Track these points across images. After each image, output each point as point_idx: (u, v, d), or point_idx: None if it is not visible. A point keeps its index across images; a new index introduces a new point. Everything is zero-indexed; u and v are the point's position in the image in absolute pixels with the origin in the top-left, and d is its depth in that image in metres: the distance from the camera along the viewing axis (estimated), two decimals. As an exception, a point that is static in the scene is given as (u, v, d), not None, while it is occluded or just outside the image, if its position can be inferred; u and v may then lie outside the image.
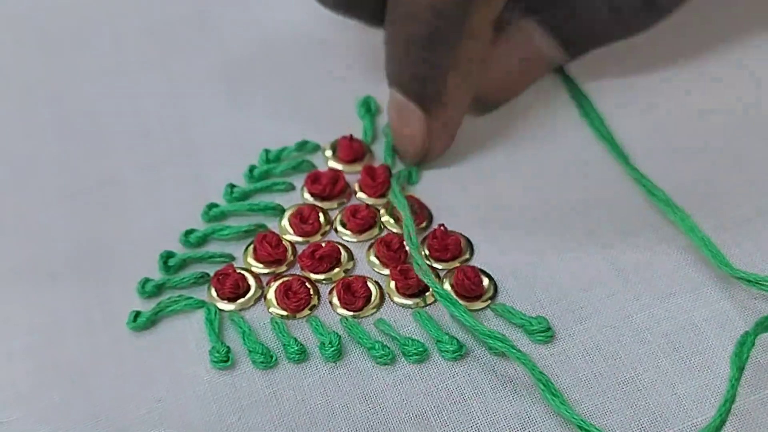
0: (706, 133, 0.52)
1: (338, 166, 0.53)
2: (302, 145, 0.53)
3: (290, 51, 0.58)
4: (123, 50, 0.59)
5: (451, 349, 0.44)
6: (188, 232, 0.50)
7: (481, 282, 0.47)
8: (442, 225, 0.48)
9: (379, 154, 0.53)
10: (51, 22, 0.61)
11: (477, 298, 0.46)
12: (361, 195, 0.52)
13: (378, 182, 0.51)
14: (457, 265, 0.48)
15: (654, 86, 0.55)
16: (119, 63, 0.58)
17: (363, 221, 0.50)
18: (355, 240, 0.50)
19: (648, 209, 0.49)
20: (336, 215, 0.51)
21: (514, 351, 0.42)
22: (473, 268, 0.47)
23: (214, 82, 0.57)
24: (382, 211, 0.51)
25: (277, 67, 0.57)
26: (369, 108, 0.55)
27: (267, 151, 0.53)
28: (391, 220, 0.50)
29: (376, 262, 0.49)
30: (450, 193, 0.51)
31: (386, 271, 0.48)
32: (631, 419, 0.42)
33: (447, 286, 0.47)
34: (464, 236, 0.49)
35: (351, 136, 0.53)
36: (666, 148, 0.52)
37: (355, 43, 0.58)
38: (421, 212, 0.50)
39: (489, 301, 0.47)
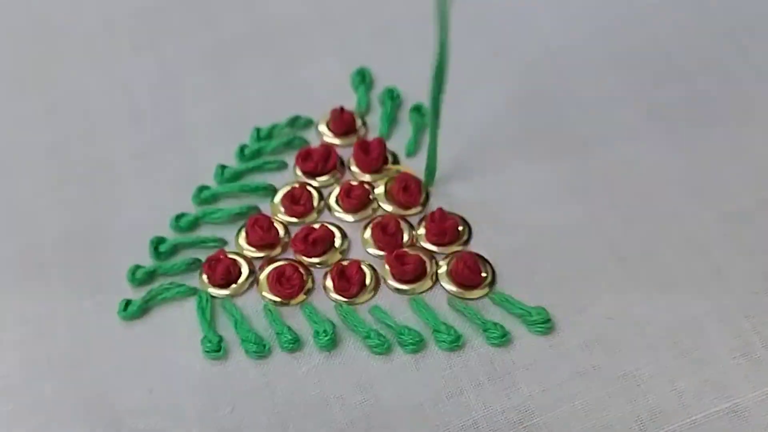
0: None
1: (332, 140, 0.52)
2: (294, 121, 0.52)
3: (283, 28, 0.56)
4: (114, 34, 0.57)
5: (448, 339, 0.44)
6: (179, 217, 0.49)
7: (480, 271, 0.46)
8: (440, 208, 0.47)
9: (375, 126, 0.52)
10: (42, 6, 0.59)
11: (476, 286, 0.46)
12: (355, 170, 0.50)
13: (372, 157, 0.50)
14: (455, 249, 0.47)
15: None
16: (109, 46, 0.57)
17: (357, 201, 0.49)
18: (350, 220, 0.49)
19: (650, 196, 0.48)
20: (330, 192, 0.50)
21: None
22: (472, 255, 0.46)
23: (207, 64, 0.55)
24: (378, 187, 0.50)
25: (269, 46, 0.56)
26: (363, 78, 0.53)
27: (258, 130, 0.52)
28: (384, 197, 0.49)
29: (372, 242, 0.48)
30: (447, 171, 0.50)
31: (382, 253, 0.47)
32: (630, 414, 0.42)
33: (444, 268, 0.46)
34: (462, 218, 0.48)
35: (341, 107, 0.51)
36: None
37: (350, 17, 0.56)
38: (416, 189, 0.49)
39: (488, 289, 0.46)
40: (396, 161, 0.51)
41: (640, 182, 0.48)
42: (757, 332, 0.43)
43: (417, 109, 0.52)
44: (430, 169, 0.49)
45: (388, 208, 0.49)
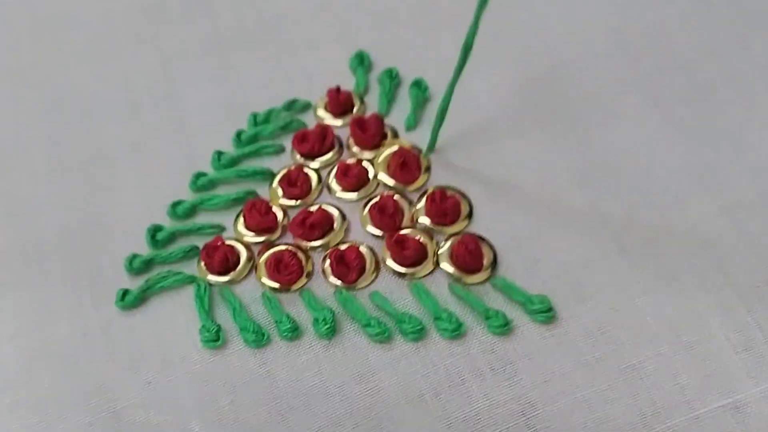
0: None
1: (330, 122, 0.51)
2: (291, 104, 0.51)
3: (282, 17, 0.55)
4: (111, 25, 0.56)
5: (450, 327, 0.43)
6: (176, 204, 0.48)
7: (482, 255, 0.45)
8: (440, 188, 0.47)
9: (374, 106, 0.51)
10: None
11: (477, 270, 0.45)
12: (355, 149, 0.50)
13: (369, 133, 0.49)
14: (457, 230, 0.46)
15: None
16: (107, 38, 0.56)
17: (355, 179, 0.48)
18: (350, 198, 0.48)
19: (652, 186, 0.47)
20: (328, 173, 0.49)
21: None
22: (473, 238, 0.45)
23: (205, 52, 0.54)
24: (377, 160, 0.49)
25: (268, 33, 0.55)
26: (362, 61, 0.53)
27: (255, 115, 0.51)
28: (385, 172, 0.48)
29: (370, 222, 0.47)
30: (449, 147, 0.49)
31: (381, 233, 0.47)
32: (632, 408, 0.41)
33: (445, 251, 0.46)
34: (464, 195, 0.47)
35: (338, 87, 0.51)
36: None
37: (349, 5, 0.55)
38: (414, 163, 0.48)
39: (489, 272, 0.45)
40: (396, 136, 0.50)
41: (643, 171, 0.48)
42: (760, 326, 0.43)
43: (417, 83, 0.51)
44: (434, 135, 0.48)
45: (389, 182, 0.48)
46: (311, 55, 0.53)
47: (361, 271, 0.45)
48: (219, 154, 0.49)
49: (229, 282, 0.46)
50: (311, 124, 0.51)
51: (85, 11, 0.57)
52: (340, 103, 0.51)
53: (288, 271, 0.45)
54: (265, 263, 0.46)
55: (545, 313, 0.43)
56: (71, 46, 0.56)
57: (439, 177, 0.48)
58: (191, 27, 0.55)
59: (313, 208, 0.47)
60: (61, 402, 0.43)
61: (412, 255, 0.45)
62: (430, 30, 0.53)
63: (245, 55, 0.54)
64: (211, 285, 0.46)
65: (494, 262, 0.45)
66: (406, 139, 0.50)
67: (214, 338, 0.44)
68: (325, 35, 0.54)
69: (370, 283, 0.45)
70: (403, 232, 0.46)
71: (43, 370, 0.44)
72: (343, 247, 0.46)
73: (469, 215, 0.47)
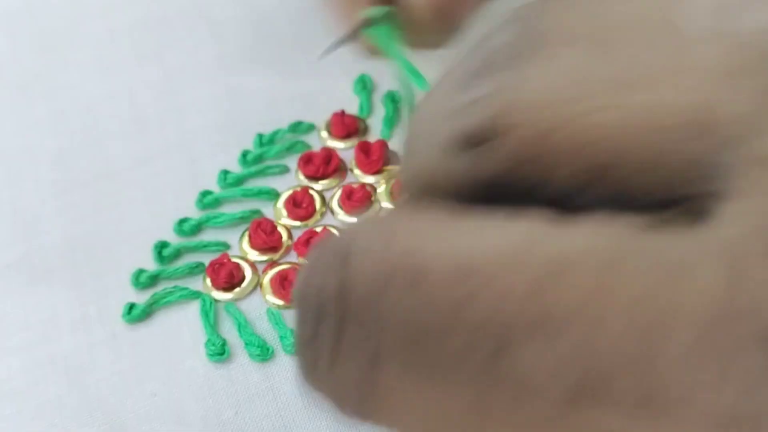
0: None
1: (333, 144, 0.52)
2: (296, 126, 0.52)
3: (287, 38, 0.56)
4: (117, 43, 0.57)
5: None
6: (182, 221, 0.49)
7: None
8: None
9: (377, 130, 0.52)
10: (45, 15, 0.59)
11: None
12: (357, 172, 0.51)
13: (373, 159, 0.50)
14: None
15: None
16: (114, 55, 0.57)
17: (359, 203, 0.49)
18: (352, 222, 0.49)
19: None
20: (332, 195, 0.50)
21: None
22: None
23: (210, 72, 0.55)
24: (380, 186, 0.50)
25: (273, 54, 0.56)
26: (365, 85, 0.54)
27: (260, 135, 0.52)
28: (387, 197, 0.49)
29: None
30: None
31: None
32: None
33: None
34: None
35: (342, 111, 0.52)
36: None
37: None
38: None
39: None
40: (399, 161, 0.51)
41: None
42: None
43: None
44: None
45: (391, 207, 0.49)
46: (315, 77, 0.54)
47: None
48: (225, 173, 0.50)
49: (235, 298, 0.47)
50: (315, 145, 0.52)
51: (91, 26, 0.58)
52: (344, 126, 0.52)
53: (293, 288, 0.46)
54: (271, 281, 0.47)
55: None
56: (77, 60, 0.57)
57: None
58: (194, 46, 0.57)
59: (319, 228, 0.48)
60: (66, 413, 0.44)
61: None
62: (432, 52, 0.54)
63: (248, 74, 0.55)
64: (216, 301, 0.46)
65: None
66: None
67: (220, 352, 0.44)
68: (329, 59, 0.55)
69: (373, 300, 0.46)
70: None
71: (49, 382, 0.45)
72: (345, 267, 0.47)
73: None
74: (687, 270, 0.20)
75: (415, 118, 0.30)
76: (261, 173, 0.51)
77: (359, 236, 0.24)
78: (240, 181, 0.51)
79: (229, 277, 0.46)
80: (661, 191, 0.23)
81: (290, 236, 0.49)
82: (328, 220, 0.49)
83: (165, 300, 0.46)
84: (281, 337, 0.45)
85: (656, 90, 0.22)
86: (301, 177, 0.51)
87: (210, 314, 0.46)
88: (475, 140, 0.24)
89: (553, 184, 0.24)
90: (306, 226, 0.49)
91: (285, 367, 0.44)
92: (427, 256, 0.22)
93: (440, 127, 0.26)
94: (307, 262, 0.25)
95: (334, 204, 0.49)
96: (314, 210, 0.49)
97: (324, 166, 0.50)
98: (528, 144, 0.23)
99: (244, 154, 0.51)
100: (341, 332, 0.23)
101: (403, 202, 0.28)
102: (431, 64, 0.42)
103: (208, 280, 0.47)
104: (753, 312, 0.20)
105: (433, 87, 0.29)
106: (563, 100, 0.23)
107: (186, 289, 0.47)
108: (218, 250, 0.48)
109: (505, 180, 0.24)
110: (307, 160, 0.50)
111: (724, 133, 0.21)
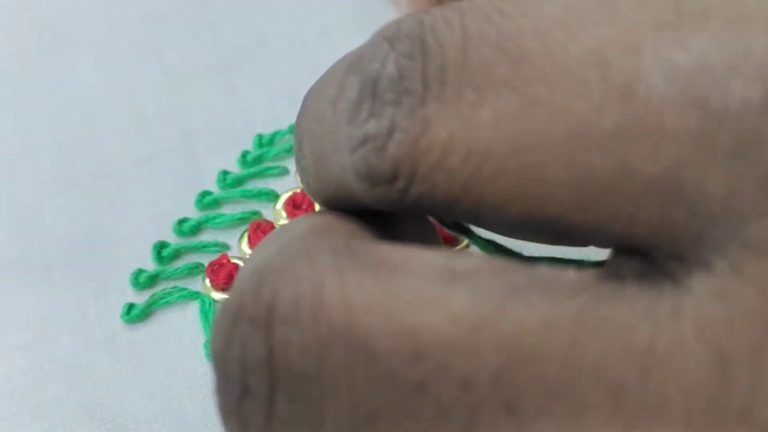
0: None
1: (333, 146, 0.52)
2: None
3: (288, 39, 0.56)
4: (117, 41, 0.57)
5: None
6: (181, 222, 0.49)
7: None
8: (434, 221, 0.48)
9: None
10: (44, 12, 0.59)
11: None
12: (354, 175, 0.51)
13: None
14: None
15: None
16: (113, 54, 0.57)
17: (358, 203, 0.49)
18: None
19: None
20: (330, 197, 0.50)
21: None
22: None
23: (210, 71, 0.55)
24: None
25: (273, 55, 0.56)
26: (363, 87, 0.54)
27: (260, 136, 0.52)
28: None
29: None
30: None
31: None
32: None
33: None
34: (461, 228, 0.48)
35: None
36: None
37: (354, 30, 0.56)
38: None
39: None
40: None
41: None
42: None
43: None
44: None
45: None
46: (315, 78, 0.54)
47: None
48: (224, 173, 0.50)
49: (233, 299, 0.47)
50: (314, 147, 0.52)
51: (90, 23, 0.58)
52: (342, 129, 0.52)
53: (291, 289, 0.46)
54: (269, 281, 0.47)
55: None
56: (76, 58, 0.56)
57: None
58: (194, 44, 0.57)
59: (317, 229, 0.48)
60: (65, 413, 0.44)
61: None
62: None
63: (248, 74, 0.55)
64: (216, 301, 0.47)
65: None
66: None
67: (218, 352, 0.44)
68: (328, 59, 0.55)
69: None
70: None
71: (49, 382, 0.45)
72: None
73: (467, 247, 0.48)
74: (668, 356, 0.18)
75: (308, 128, 0.28)
76: (261, 174, 0.51)
77: (281, 286, 0.21)
78: (240, 181, 0.51)
79: (228, 277, 0.46)
80: (610, 240, 0.21)
81: (289, 237, 0.48)
82: (327, 221, 0.49)
83: (164, 300, 0.46)
84: (280, 338, 0.45)
85: (610, 150, 0.20)
86: (299, 179, 0.51)
87: (209, 315, 0.46)
88: (379, 180, 0.23)
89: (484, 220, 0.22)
90: (305, 227, 0.49)
91: (284, 367, 0.44)
92: (368, 322, 0.20)
93: (341, 156, 0.24)
94: (223, 314, 0.22)
95: (333, 205, 0.49)
96: (313, 211, 0.49)
97: (323, 167, 0.50)
98: (448, 190, 0.22)
99: (244, 154, 0.51)
100: (271, 408, 0.21)
101: (317, 220, 0.26)
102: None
103: (208, 281, 0.47)
104: (746, 412, 0.18)
105: (311, 93, 0.28)
106: (495, 152, 0.21)
107: (185, 289, 0.47)
108: (218, 251, 0.48)
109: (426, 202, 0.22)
110: (306, 162, 0.50)
111: (697, 205, 0.19)
